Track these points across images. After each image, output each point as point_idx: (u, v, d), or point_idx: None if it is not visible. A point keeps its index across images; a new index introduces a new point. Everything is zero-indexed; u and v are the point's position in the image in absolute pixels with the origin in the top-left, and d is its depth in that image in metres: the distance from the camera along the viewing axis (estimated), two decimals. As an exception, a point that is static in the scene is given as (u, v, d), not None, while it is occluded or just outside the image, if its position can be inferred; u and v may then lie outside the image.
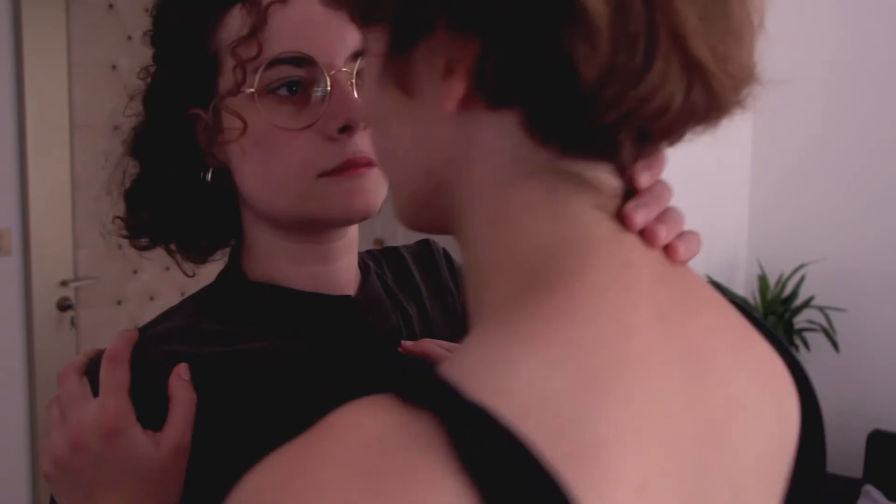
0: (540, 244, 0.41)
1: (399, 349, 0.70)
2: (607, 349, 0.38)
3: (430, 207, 0.46)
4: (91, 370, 0.64)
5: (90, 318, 2.74)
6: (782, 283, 2.91)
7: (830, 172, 2.98)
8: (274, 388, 0.64)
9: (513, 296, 0.41)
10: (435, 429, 0.34)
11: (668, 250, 0.45)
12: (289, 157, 0.64)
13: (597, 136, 0.40)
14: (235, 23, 0.64)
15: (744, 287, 3.10)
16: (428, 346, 0.70)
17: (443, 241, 0.74)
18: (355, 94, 0.64)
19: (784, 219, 3.07)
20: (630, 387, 0.38)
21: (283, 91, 0.64)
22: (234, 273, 0.72)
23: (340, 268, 0.71)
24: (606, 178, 0.43)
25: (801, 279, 2.90)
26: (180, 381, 0.62)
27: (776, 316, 2.82)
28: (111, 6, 2.73)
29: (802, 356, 2.90)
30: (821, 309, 2.84)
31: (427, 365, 0.39)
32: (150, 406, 0.61)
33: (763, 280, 2.92)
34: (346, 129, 0.64)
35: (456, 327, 0.78)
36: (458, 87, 0.40)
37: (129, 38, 2.78)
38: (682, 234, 0.46)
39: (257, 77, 0.63)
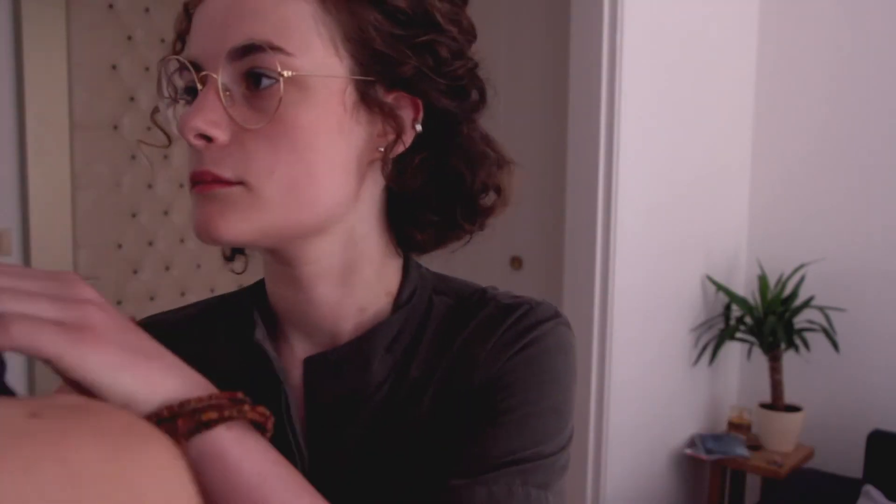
0: None
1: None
2: None
3: None
4: None
5: (90, 318, 2.74)
6: (782, 283, 2.91)
7: (830, 172, 2.98)
8: None
9: None
10: None
11: None
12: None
13: None
14: None
15: (744, 287, 3.10)
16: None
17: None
18: (220, 100, 0.56)
19: (784, 219, 3.07)
20: None
21: (188, 97, 0.61)
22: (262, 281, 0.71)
23: (318, 298, 0.63)
24: None
25: (801, 279, 2.90)
26: None
27: (776, 316, 2.82)
28: (111, 6, 2.73)
29: (802, 356, 2.91)
30: (821, 309, 2.84)
31: None
32: None
33: (763, 280, 2.92)
34: (200, 139, 0.56)
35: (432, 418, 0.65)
36: None
37: (129, 38, 2.78)
38: None
39: (163, 84, 0.61)
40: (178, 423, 0.45)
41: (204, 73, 0.56)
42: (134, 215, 2.83)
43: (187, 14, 0.62)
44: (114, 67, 2.74)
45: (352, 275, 0.64)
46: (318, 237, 0.61)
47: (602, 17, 2.33)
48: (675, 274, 2.78)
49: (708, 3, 2.77)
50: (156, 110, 0.64)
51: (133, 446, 0.30)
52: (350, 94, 0.57)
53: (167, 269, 2.92)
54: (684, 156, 2.73)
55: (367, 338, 0.63)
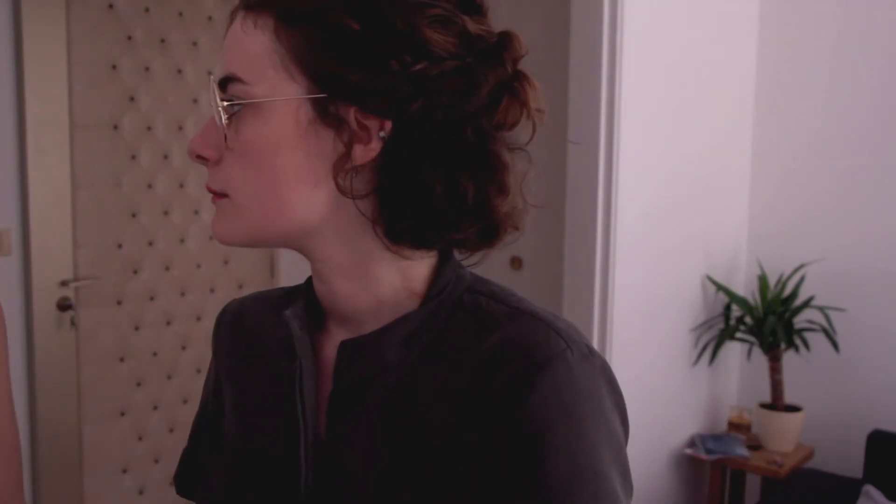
0: None
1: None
2: None
3: None
4: None
5: (90, 318, 2.74)
6: (782, 283, 2.91)
7: (830, 172, 2.98)
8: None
9: None
10: None
11: None
12: None
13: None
14: None
15: (744, 287, 3.10)
16: None
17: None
18: (214, 124, 0.66)
19: (784, 219, 3.07)
20: None
21: None
22: None
23: (338, 290, 0.69)
24: None
25: (801, 279, 2.90)
26: None
27: (776, 316, 2.82)
28: (111, 6, 2.73)
29: (802, 356, 2.91)
30: (821, 309, 2.84)
31: None
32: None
33: (763, 280, 2.92)
34: (199, 158, 0.67)
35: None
36: None
37: (129, 38, 2.78)
38: None
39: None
40: None
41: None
42: (134, 215, 2.83)
43: None
44: (114, 67, 2.74)
45: (361, 270, 0.68)
46: (316, 238, 0.67)
47: (602, 17, 2.33)
48: (675, 274, 2.78)
49: (708, 3, 2.77)
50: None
51: None
52: (306, 112, 0.63)
53: (167, 269, 2.92)
54: (684, 156, 2.73)
55: (386, 330, 0.67)
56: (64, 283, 2.63)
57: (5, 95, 2.47)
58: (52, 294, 2.61)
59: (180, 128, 2.91)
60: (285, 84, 0.63)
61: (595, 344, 2.44)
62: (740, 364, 3.17)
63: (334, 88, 0.62)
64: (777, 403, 2.87)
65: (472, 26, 0.64)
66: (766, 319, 2.82)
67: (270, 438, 0.72)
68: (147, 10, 2.82)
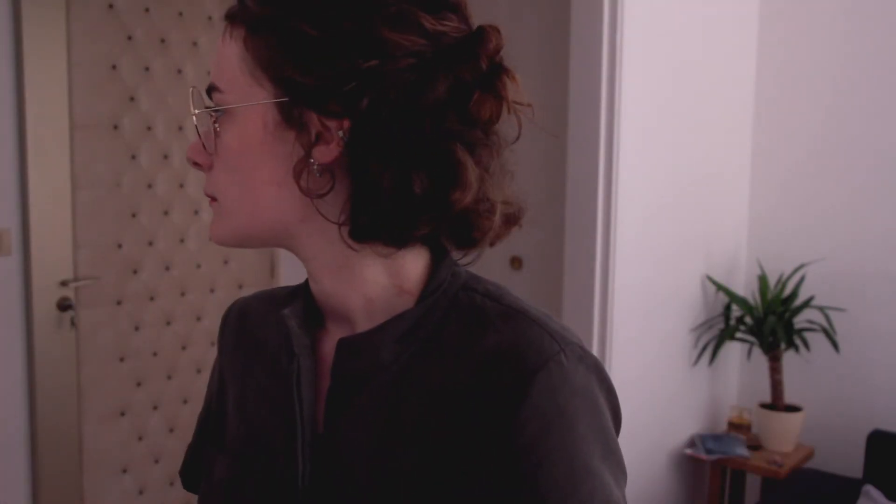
0: None
1: None
2: None
3: None
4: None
5: (90, 318, 2.74)
6: (782, 283, 2.91)
7: (830, 172, 2.98)
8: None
9: None
10: None
11: None
12: None
13: None
14: None
15: (744, 287, 3.10)
16: None
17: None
18: (197, 130, 0.70)
19: (784, 219, 3.07)
20: None
21: None
22: None
23: (327, 289, 0.71)
24: None
25: (801, 279, 2.90)
26: None
27: (776, 316, 2.82)
28: (111, 6, 2.73)
29: (802, 356, 2.91)
30: (821, 309, 2.84)
31: None
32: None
33: (763, 280, 2.92)
34: (194, 164, 0.71)
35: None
36: None
37: (129, 38, 2.78)
38: None
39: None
40: None
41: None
42: (134, 215, 2.83)
43: None
44: (114, 67, 2.74)
45: (347, 269, 0.69)
46: (300, 238, 0.69)
47: (602, 17, 2.33)
48: (675, 274, 2.78)
49: (708, 3, 2.77)
50: None
51: None
52: (273, 117, 0.65)
53: (167, 269, 2.92)
54: (684, 156, 2.73)
55: (381, 328, 0.68)
56: (64, 283, 2.63)
57: (5, 95, 2.47)
58: (52, 294, 2.61)
59: (180, 128, 2.91)
60: (254, 90, 0.66)
61: (595, 344, 2.44)
62: (740, 364, 3.17)
63: (294, 92, 0.64)
64: (777, 403, 2.87)
65: (430, 23, 0.63)
66: (766, 319, 2.82)
67: (270, 434, 0.73)
68: (147, 10, 2.82)
